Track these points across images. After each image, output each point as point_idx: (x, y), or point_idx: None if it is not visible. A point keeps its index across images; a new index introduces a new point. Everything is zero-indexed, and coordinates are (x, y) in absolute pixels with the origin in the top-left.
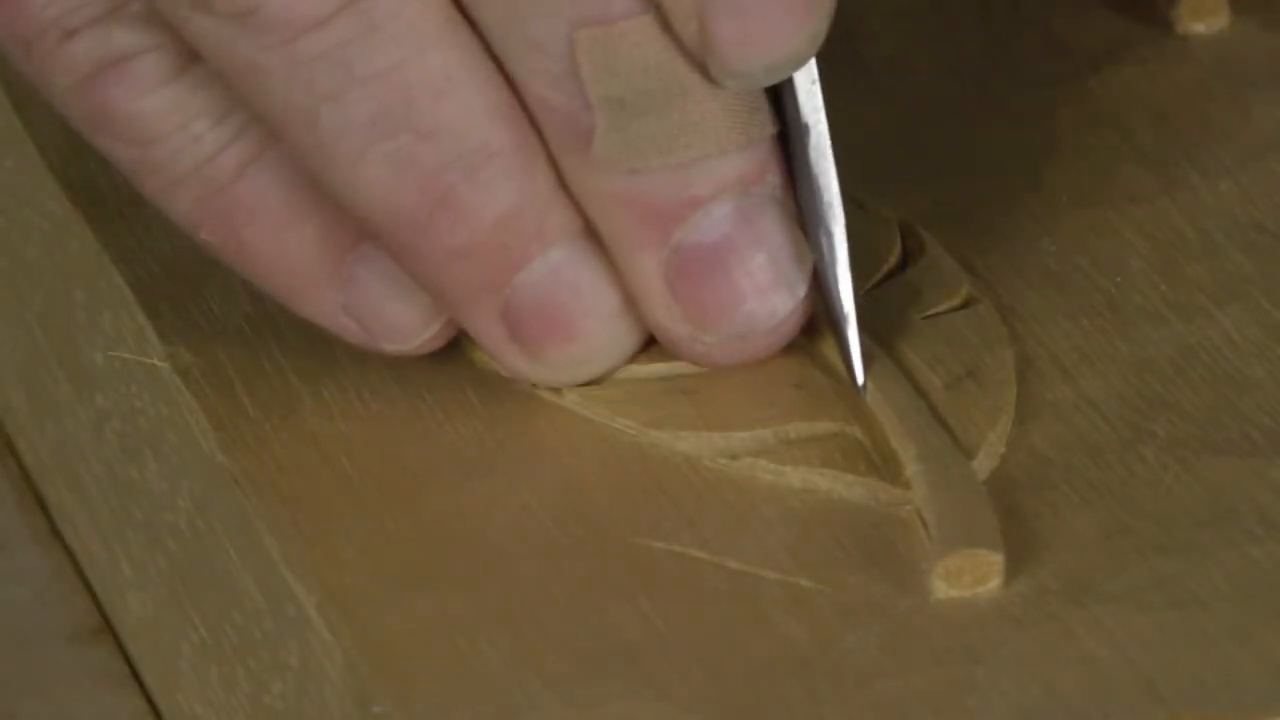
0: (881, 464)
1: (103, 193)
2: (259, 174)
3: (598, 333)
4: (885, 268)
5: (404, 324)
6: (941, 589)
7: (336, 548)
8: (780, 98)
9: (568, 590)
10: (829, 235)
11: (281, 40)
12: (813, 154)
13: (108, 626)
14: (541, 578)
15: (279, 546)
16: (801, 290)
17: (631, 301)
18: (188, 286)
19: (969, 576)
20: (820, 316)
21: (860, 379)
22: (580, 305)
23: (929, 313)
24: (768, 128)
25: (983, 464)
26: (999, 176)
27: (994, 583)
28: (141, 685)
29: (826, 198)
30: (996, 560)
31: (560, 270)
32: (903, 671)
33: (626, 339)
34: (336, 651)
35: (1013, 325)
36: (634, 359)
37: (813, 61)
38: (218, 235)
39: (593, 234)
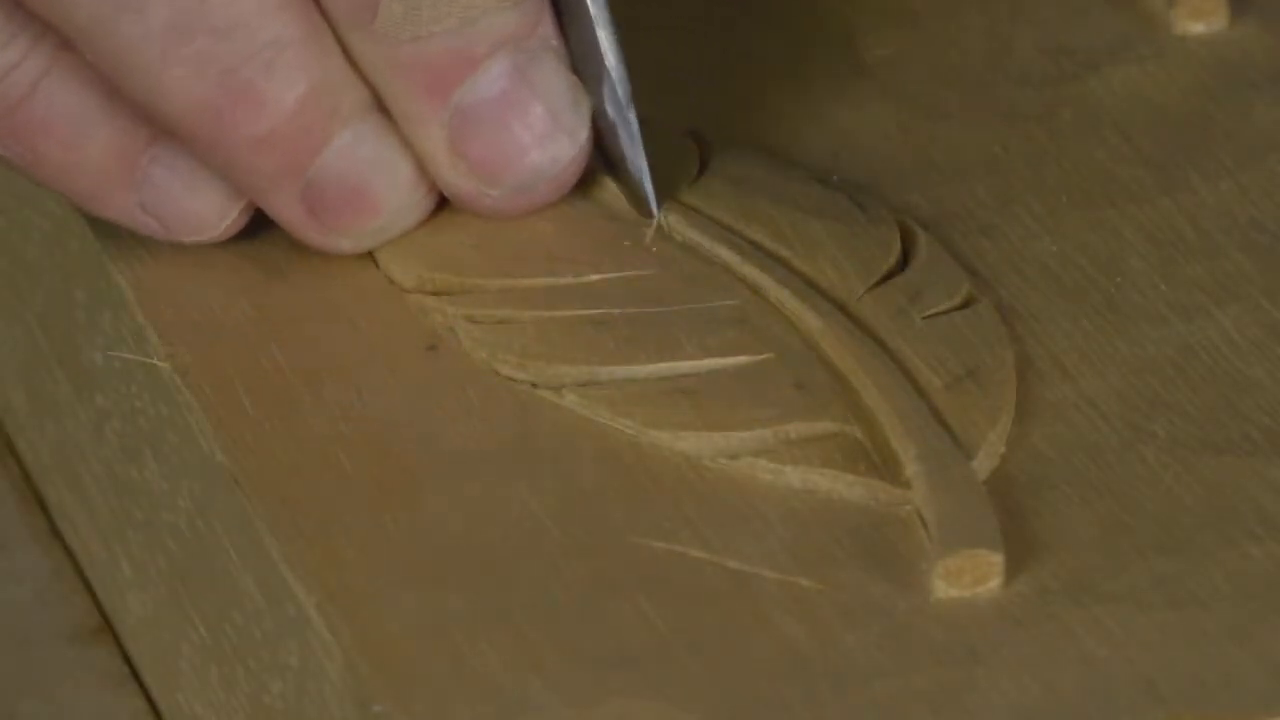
0: (881, 464)
1: None
2: (50, 89)
3: (394, 202)
4: (885, 268)
5: (201, 217)
6: (941, 589)
7: (336, 548)
8: None
9: (568, 590)
10: (607, 77)
11: None
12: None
13: (108, 626)
14: (541, 578)
15: (279, 546)
16: (582, 135)
17: (422, 167)
18: (188, 286)
19: (969, 576)
20: (602, 160)
21: (654, 212)
22: (376, 178)
23: (929, 313)
24: None
25: (983, 464)
26: (999, 176)
27: (994, 583)
28: (141, 685)
29: (601, 36)
30: (996, 560)
31: (356, 147)
32: (903, 671)
33: (421, 204)
34: (336, 651)
35: (1013, 325)
36: (634, 359)
37: None
38: (13, 150)
39: (383, 108)
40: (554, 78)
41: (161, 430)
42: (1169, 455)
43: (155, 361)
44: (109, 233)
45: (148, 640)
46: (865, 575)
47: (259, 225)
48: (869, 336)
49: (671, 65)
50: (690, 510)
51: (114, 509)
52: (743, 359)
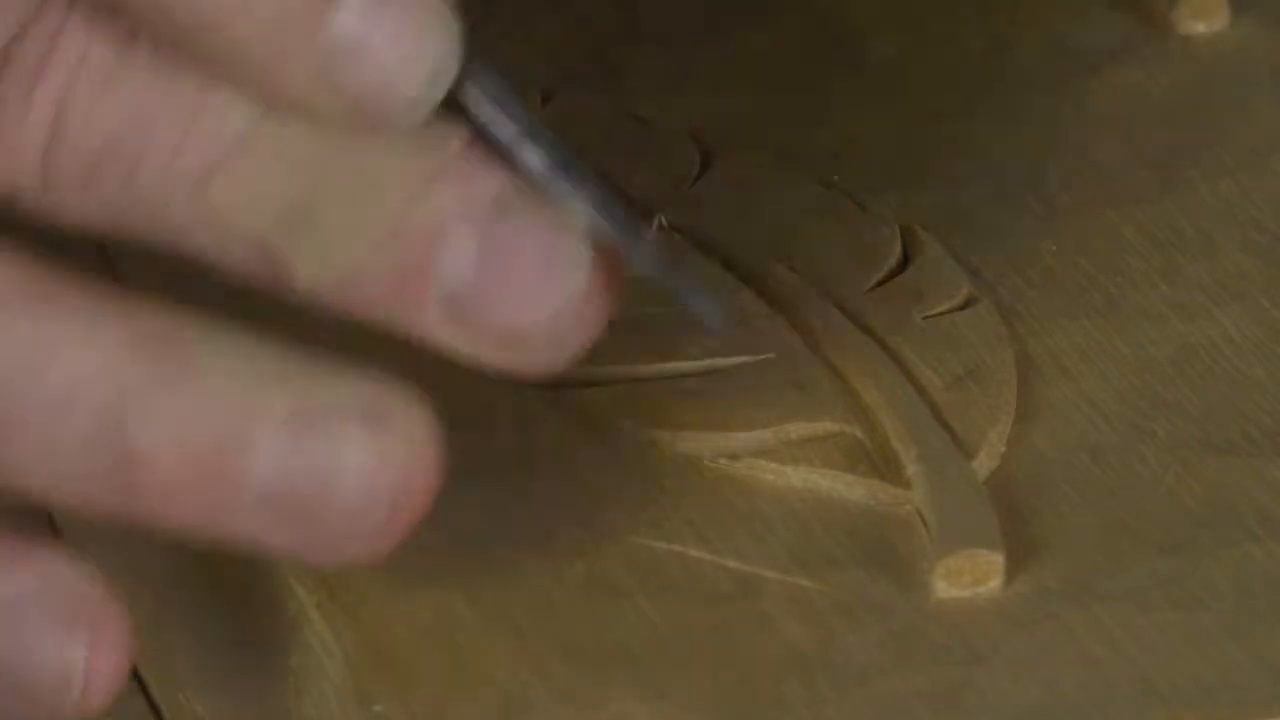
0: (881, 464)
1: None
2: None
3: None
4: (885, 268)
5: None
6: (941, 589)
7: None
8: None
9: (568, 590)
10: (534, 151)
11: None
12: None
13: None
14: (541, 578)
15: None
16: (585, 263)
17: None
18: (187, 286)
19: (969, 576)
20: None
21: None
22: None
23: (929, 313)
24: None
25: (983, 464)
26: (999, 176)
27: (994, 583)
28: (141, 685)
29: (516, 130)
30: (996, 560)
31: None
32: (903, 671)
33: None
34: (336, 651)
35: (1013, 325)
36: (634, 359)
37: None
38: None
39: None
40: (526, 225)
41: None
42: (1169, 455)
43: None
44: None
45: (148, 640)
46: (865, 575)
47: None
48: (869, 336)
49: (672, 66)
50: (690, 510)
51: None
52: (743, 359)
